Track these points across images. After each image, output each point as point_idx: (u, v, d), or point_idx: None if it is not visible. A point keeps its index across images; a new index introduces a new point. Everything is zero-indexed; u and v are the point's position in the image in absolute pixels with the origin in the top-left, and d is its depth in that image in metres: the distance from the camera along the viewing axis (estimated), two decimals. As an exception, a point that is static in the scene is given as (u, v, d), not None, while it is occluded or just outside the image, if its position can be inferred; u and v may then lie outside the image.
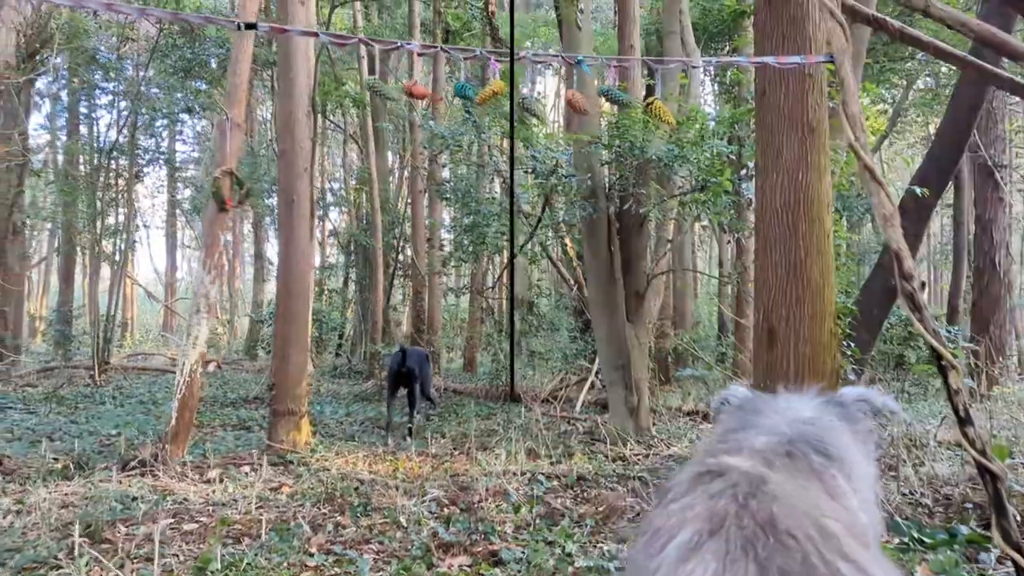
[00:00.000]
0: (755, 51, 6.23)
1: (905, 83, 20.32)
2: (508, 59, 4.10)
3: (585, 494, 6.13)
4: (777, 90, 5.70)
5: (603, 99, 4.38)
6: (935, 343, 3.24)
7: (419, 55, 3.45)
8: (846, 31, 3.82)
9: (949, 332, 9.22)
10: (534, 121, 9.72)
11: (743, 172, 8.44)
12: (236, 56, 7.29)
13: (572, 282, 13.73)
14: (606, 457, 7.56)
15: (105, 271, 20.71)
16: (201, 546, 4.57)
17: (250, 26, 3.31)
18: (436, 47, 3.43)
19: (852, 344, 5.87)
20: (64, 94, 19.32)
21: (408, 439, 8.55)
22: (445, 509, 5.50)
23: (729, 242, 12.78)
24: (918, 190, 8.71)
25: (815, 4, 5.64)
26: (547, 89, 29.28)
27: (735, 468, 0.75)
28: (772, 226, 5.67)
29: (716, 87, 18.55)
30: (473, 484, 6.22)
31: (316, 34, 3.53)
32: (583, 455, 7.61)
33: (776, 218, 5.64)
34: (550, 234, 12.18)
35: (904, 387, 13.64)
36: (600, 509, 5.51)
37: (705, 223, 14.51)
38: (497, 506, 5.54)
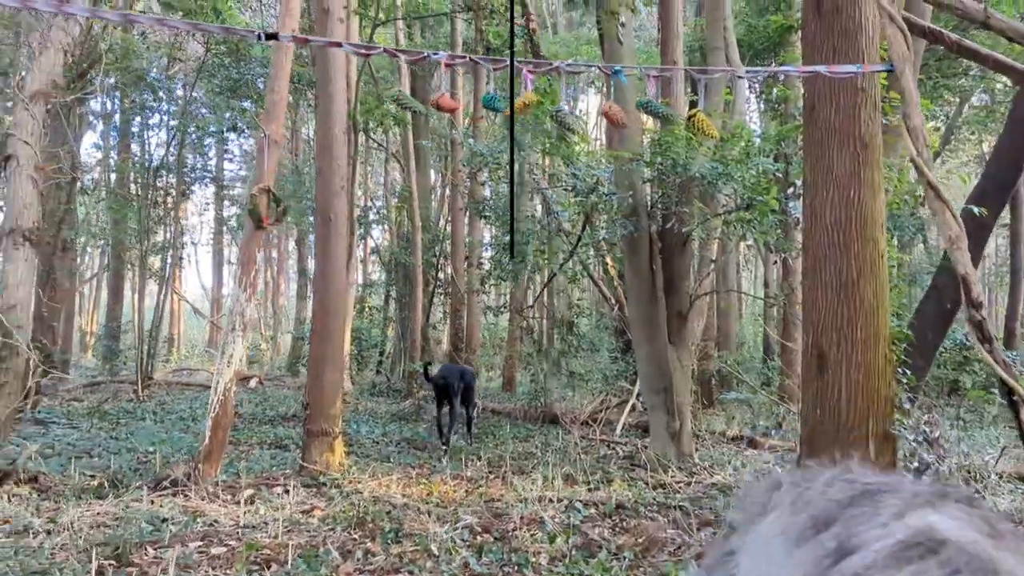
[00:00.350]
0: (804, 65, 6.01)
1: (959, 100, 19.79)
2: (543, 71, 3.97)
3: (624, 524, 5.90)
4: (828, 105, 5.46)
5: (643, 113, 4.19)
6: (1006, 377, 2.99)
7: (448, 66, 3.32)
8: (907, 38, 3.59)
9: (1007, 358, 8.80)
10: (575, 138, 9.57)
11: (790, 191, 8.17)
12: (275, 74, 7.28)
13: (613, 301, 13.50)
14: (646, 484, 7.32)
15: (153, 287, 21.06)
16: (228, 572, 4.46)
17: (271, 36, 3.23)
18: (465, 56, 3.30)
19: (907, 371, 5.57)
20: (116, 114, 19.76)
21: (443, 460, 8.42)
22: (478, 537, 5.33)
23: (775, 262, 12.44)
24: (976, 209, 8.35)
25: (868, 16, 5.41)
26: (589, 107, 29.15)
27: (953, 543, 0.53)
28: (822, 245, 5.42)
29: (761, 104, 18.25)
30: (508, 511, 6.04)
31: (339, 44, 3.45)
32: (622, 481, 7.38)
33: (826, 236, 5.40)
34: (591, 253, 11.99)
35: (959, 414, 13.12)
36: (639, 541, 5.29)
37: (750, 242, 14.20)
38: (532, 535, 5.35)
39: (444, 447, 8.98)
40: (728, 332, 15.88)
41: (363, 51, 3.87)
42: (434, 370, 10.42)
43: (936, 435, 6.40)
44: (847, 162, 5.40)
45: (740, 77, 4.62)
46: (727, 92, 9.89)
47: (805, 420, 5.51)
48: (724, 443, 10.17)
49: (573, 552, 4.95)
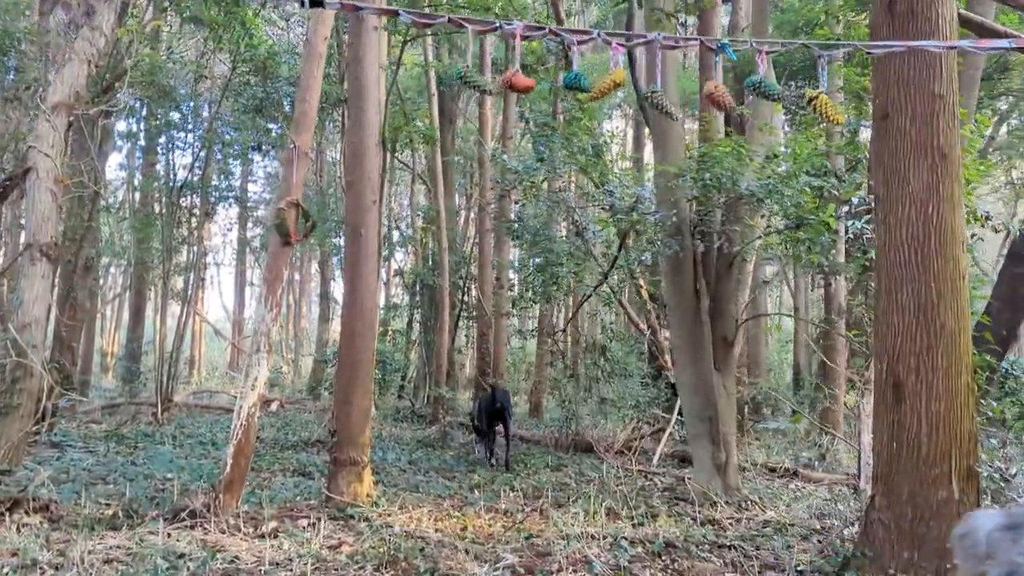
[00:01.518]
0: (873, 71, 5.61)
1: (997, 119, 19.24)
2: (635, 43, 3.57)
3: (676, 565, 5.44)
4: (902, 113, 5.06)
5: (753, 94, 3.77)
6: None
7: (524, 38, 2.97)
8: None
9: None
10: (613, 154, 9.19)
11: (845, 209, 7.73)
12: (306, 83, 6.97)
13: (644, 326, 13.03)
14: (694, 520, 6.84)
15: (175, 308, 20.83)
16: (249, 617, 4.05)
17: (316, 3, 2.90)
18: (544, 28, 2.93)
19: (994, 402, 5.10)
20: (142, 133, 19.62)
21: (487, 458, 9.69)
22: (521, 579, 4.88)
23: (831, 284, 11.94)
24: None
25: (945, 15, 5.02)
26: (614, 128, 28.76)
27: None
28: (897, 264, 4.99)
29: (787, 127, 17.72)
30: (550, 548, 5.59)
31: (396, 12, 3.10)
32: (668, 516, 6.90)
33: (902, 255, 4.97)
34: (619, 276, 11.55)
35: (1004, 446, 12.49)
36: (698, 586, 4.82)
37: (777, 265, 13.72)
38: (580, 578, 4.90)
39: (490, 461, 9.96)
40: (758, 358, 15.36)
41: (423, 21, 3.52)
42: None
43: (1014, 473, 5.91)
44: (924, 174, 4.98)
45: (860, 49, 4.17)
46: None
47: (879, 454, 5.05)
48: (767, 475, 9.64)
49: (628, 599, 4.49)
